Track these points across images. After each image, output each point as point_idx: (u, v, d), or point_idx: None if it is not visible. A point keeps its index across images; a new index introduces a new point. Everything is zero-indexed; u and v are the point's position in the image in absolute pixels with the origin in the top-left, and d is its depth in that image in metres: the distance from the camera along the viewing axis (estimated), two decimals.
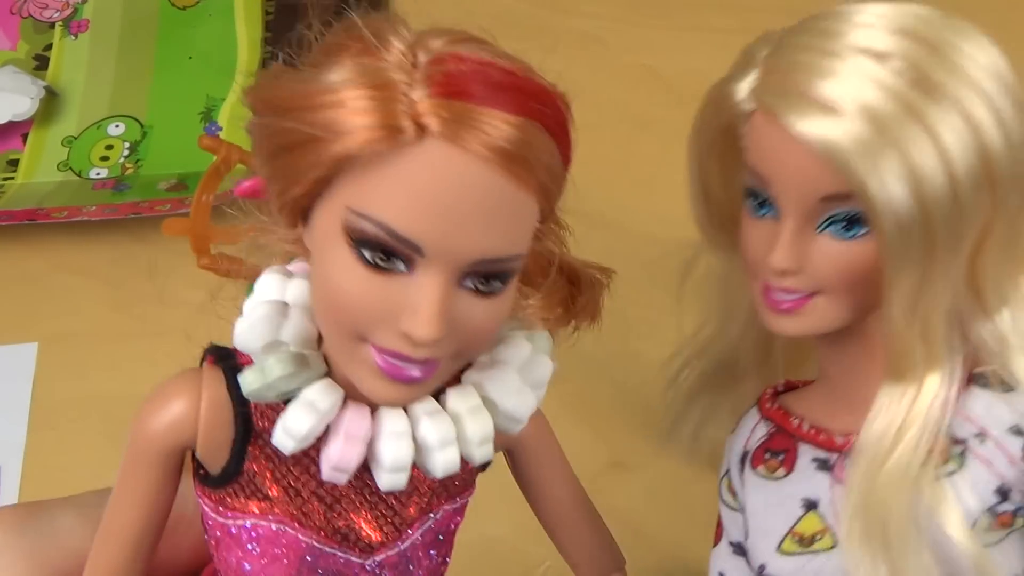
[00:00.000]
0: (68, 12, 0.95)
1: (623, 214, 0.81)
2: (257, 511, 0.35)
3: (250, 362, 0.34)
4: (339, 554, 0.36)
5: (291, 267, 0.35)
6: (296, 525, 0.35)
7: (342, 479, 0.33)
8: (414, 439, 0.33)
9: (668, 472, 0.70)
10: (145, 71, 0.91)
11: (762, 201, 0.38)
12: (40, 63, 0.92)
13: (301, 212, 0.32)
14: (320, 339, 0.34)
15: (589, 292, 0.36)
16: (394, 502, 0.36)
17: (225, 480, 0.35)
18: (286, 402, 0.33)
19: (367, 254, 0.30)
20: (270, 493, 0.35)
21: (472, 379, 0.35)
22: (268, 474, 0.35)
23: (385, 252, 0.30)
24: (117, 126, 0.88)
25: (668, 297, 0.80)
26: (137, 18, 0.94)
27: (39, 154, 0.87)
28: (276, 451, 0.34)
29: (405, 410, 0.34)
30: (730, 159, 0.40)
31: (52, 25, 0.94)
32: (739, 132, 0.39)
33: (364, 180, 0.30)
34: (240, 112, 0.97)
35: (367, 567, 0.36)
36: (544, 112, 0.31)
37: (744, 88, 0.38)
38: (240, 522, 0.35)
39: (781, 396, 0.45)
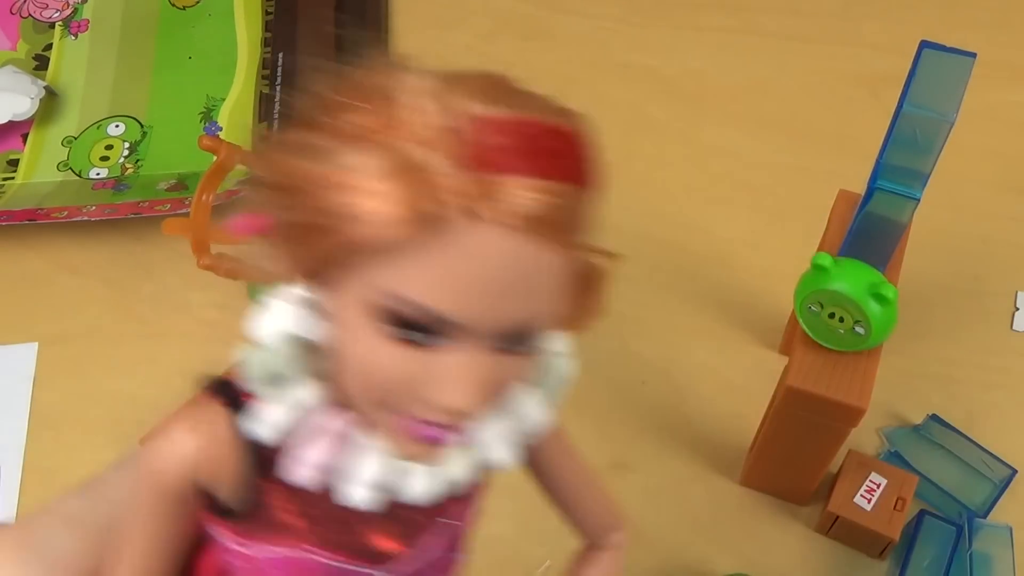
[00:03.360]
0: (68, 12, 0.95)
1: (622, 214, 0.81)
2: (280, 541, 0.34)
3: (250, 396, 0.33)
4: (359, 569, 0.35)
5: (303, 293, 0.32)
6: (318, 549, 0.35)
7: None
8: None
9: (668, 472, 0.70)
10: (145, 71, 0.91)
11: None
12: (40, 63, 0.92)
13: (313, 276, 0.31)
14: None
15: (596, 289, 0.33)
16: (405, 511, 0.35)
17: (244, 513, 0.34)
18: None
19: (399, 332, 0.29)
20: (289, 522, 0.34)
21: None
22: (283, 503, 0.34)
23: (422, 331, 0.29)
24: (117, 126, 0.88)
25: (668, 297, 0.80)
26: (137, 18, 0.94)
27: (39, 154, 0.87)
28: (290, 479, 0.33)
29: None
30: None
31: (52, 25, 0.94)
32: None
33: (394, 264, 0.28)
34: (239, 114, 0.96)
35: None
36: (573, 165, 0.29)
37: None
38: (265, 554, 0.35)
39: None
